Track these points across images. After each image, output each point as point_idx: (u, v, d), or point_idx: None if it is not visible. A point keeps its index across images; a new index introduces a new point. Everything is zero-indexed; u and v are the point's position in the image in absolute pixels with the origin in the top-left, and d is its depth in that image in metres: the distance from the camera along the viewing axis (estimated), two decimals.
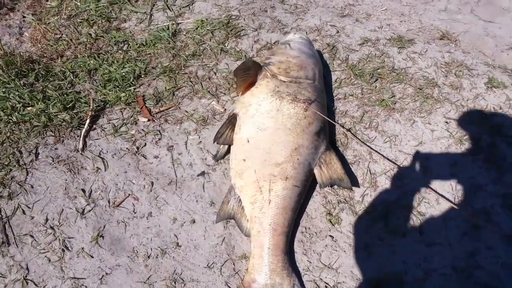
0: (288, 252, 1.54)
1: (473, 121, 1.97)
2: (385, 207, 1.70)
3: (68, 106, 1.93)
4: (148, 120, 1.92)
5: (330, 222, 1.66)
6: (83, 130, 1.85)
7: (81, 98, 1.99)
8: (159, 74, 2.10)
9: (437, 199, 1.72)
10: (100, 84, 2.04)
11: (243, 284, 1.50)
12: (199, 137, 1.88)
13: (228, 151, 1.77)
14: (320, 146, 1.68)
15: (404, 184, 1.75)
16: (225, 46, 2.25)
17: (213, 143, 1.77)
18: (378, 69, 2.17)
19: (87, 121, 1.87)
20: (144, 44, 2.24)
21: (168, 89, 2.05)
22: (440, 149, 1.87)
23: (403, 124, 1.96)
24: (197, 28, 2.33)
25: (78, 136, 1.85)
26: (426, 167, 1.81)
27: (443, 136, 1.91)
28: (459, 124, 1.97)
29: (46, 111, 1.89)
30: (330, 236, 1.63)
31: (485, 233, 1.64)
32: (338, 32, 2.38)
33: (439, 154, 1.87)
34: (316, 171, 1.65)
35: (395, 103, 2.02)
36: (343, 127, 1.91)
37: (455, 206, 1.68)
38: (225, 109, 1.98)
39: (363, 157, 1.83)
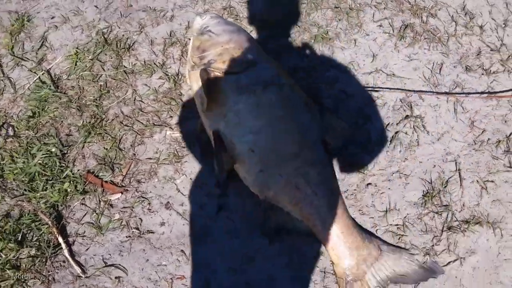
0: (354, 222, 1.54)
1: (398, 11, 2.12)
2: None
3: (19, 239, 1.54)
4: (121, 193, 1.65)
5: (360, 172, 1.71)
6: (66, 253, 1.52)
7: (20, 219, 1.59)
8: (84, 139, 1.76)
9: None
10: (25, 189, 1.64)
11: (339, 278, 1.49)
12: (186, 175, 1.70)
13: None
14: (315, 113, 1.63)
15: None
16: (125, 66, 1.95)
17: (220, 179, 1.63)
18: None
19: (60, 240, 1.53)
20: (33, 114, 1.83)
21: (109, 148, 1.75)
22: (391, 51, 1.97)
23: (348, 48, 2.00)
24: (76, 64, 1.95)
25: (65, 262, 1.52)
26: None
27: (386, 39, 2.02)
28: (391, 21, 2.08)
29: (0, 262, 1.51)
30: (368, 184, 1.69)
31: None
32: None
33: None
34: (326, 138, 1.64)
35: (328, 32, 2.05)
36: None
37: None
38: (182, 131, 1.80)
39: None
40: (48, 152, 1.72)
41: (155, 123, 1.81)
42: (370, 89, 1.89)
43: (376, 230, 1.61)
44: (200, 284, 1.53)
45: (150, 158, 1.73)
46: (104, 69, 1.94)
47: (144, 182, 1.68)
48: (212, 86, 1.58)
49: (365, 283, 1.47)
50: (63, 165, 1.71)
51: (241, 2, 2.16)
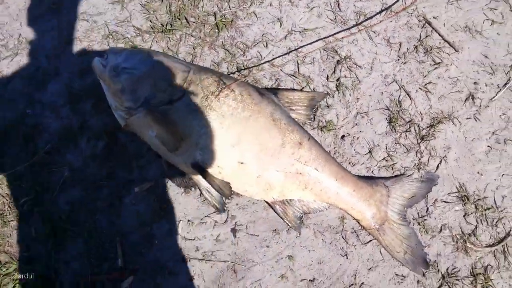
0: (356, 175, 1.62)
1: None
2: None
3: None
4: (133, 274, 1.51)
5: (330, 130, 1.77)
6: None
7: None
8: (52, 247, 1.55)
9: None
10: None
11: (370, 230, 1.59)
12: (179, 225, 1.60)
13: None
14: (272, 98, 1.63)
15: None
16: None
17: (221, 209, 1.57)
18: None
19: None
20: None
21: (88, 239, 1.56)
22: (291, 8, 1.98)
23: (253, 23, 1.96)
24: None
25: None
26: None
27: None
28: None
29: None
30: (342, 136, 1.75)
31: None
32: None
33: None
34: (293, 114, 1.64)
35: (225, 16, 1.98)
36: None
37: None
38: (153, 181, 1.67)
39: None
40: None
41: (118, 185, 1.68)
42: (294, 51, 1.93)
43: (372, 171, 1.73)
44: None
45: (136, 225, 1.61)
46: None
47: (147, 252, 1.57)
48: (169, 122, 1.50)
49: (390, 222, 1.60)
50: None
51: (120, 22, 1.99)
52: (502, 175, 1.75)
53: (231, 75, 1.87)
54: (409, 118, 1.82)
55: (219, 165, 1.51)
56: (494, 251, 1.63)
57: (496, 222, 1.67)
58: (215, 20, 1.99)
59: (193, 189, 1.65)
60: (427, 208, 1.69)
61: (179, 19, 1.99)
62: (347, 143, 1.78)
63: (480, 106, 1.85)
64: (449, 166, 1.75)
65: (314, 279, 1.57)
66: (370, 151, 1.77)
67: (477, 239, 1.65)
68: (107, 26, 1.99)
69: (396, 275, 1.58)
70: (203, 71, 1.63)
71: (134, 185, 1.68)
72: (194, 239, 1.60)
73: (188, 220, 1.62)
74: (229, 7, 2.02)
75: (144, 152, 1.74)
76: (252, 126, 1.53)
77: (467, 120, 1.83)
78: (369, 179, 1.68)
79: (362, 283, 1.58)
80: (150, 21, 2.00)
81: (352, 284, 1.57)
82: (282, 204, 1.59)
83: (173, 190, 1.68)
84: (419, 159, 1.75)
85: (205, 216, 1.63)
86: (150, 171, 1.71)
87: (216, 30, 1.96)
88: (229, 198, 1.61)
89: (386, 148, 1.77)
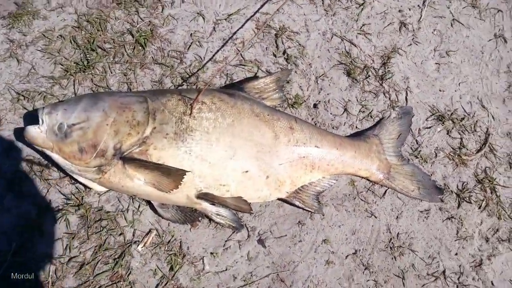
0: (349, 137, 1.63)
1: None
2: None
3: None
4: None
5: (303, 103, 1.71)
6: None
7: None
8: None
9: None
10: None
11: (380, 182, 1.60)
12: (204, 262, 1.44)
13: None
14: (242, 95, 1.52)
15: None
16: None
17: (238, 227, 1.48)
18: None
19: None
20: None
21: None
22: None
23: (195, 2, 1.80)
24: None
25: None
26: None
27: None
28: None
29: None
30: (314, 104, 1.72)
31: None
32: None
33: None
34: (268, 102, 1.56)
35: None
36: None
37: None
38: (153, 230, 1.48)
39: None
40: None
41: (119, 248, 1.45)
42: (230, 40, 1.80)
43: (356, 127, 1.73)
44: None
45: (157, 283, 1.42)
46: None
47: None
48: (154, 163, 1.34)
49: (393, 166, 1.62)
50: None
51: (25, 78, 1.66)
52: (459, 84, 1.87)
53: (181, 87, 1.71)
54: (363, 64, 1.84)
55: (224, 184, 1.40)
56: (484, 153, 1.75)
57: (474, 128, 1.80)
58: (133, 37, 1.78)
59: (200, 219, 1.51)
60: (416, 140, 1.75)
61: (92, 50, 1.74)
62: (322, 110, 1.75)
63: (414, 30, 1.94)
64: (415, 94, 1.83)
65: (356, 250, 1.55)
66: (345, 109, 1.77)
67: (467, 149, 1.76)
68: (11, 88, 1.67)
69: (421, 212, 1.63)
70: (159, 95, 1.48)
71: (135, 245, 1.49)
72: (226, 269, 1.47)
73: (211, 253, 1.48)
74: (141, 18, 1.82)
75: (127, 206, 1.52)
76: (240, 130, 1.44)
77: (409, 47, 1.91)
78: (360, 136, 1.69)
79: (398, 233, 1.60)
80: (60, 64, 1.72)
81: (391, 239, 1.58)
82: (296, 194, 1.53)
83: (179, 230, 1.51)
84: (389, 98, 1.80)
85: (226, 241, 1.50)
86: (144, 222, 1.51)
87: (140, 47, 1.76)
88: (251, 212, 1.50)
89: (357, 101, 1.78)
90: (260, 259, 1.49)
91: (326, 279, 1.49)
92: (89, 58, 1.73)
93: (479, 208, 1.67)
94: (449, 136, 1.77)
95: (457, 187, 1.69)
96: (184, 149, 1.35)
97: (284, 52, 1.82)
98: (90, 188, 1.51)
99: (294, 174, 1.49)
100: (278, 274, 1.47)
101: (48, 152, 1.40)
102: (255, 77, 1.68)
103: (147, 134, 1.35)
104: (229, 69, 1.79)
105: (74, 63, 1.73)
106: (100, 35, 1.78)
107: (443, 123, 1.78)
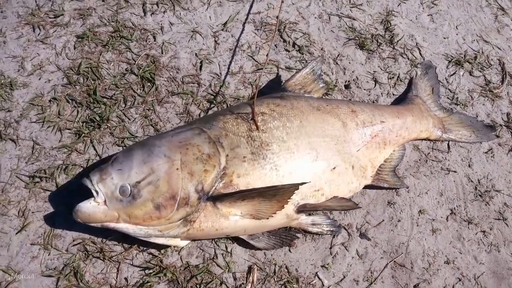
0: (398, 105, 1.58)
1: None
2: None
3: None
4: None
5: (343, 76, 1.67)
6: None
7: None
8: None
9: None
10: None
11: (440, 139, 1.60)
12: (320, 278, 1.31)
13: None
14: (290, 95, 1.43)
15: None
16: None
17: (334, 221, 1.41)
18: None
19: None
20: None
21: None
22: None
23: (183, 20, 1.66)
24: None
25: None
26: None
27: None
28: None
29: None
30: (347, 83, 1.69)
31: None
32: None
33: None
34: (315, 94, 1.48)
35: None
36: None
37: None
38: (252, 266, 1.32)
39: None
40: None
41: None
42: (236, 48, 1.70)
43: (392, 94, 1.70)
44: None
45: None
46: None
47: None
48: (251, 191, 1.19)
49: (443, 119, 1.62)
50: None
51: (28, 157, 1.42)
52: (456, 27, 1.93)
53: (210, 111, 1.56)
54: (370, 34, 1.84)
55: (318, 188, 1.29)
56: (508, 82, 1.81)
57: (488, 62, 1.86)
58: (137, 76, 1.60)
59: (296, 237, 1.36)
60: (449, 89, 1.77)
61: (97, 101, 1.53)
62: (355, 88, 1.71)
63: None
64: (426, 48, 1.85)
65: (451, 210, 1.51)
66: (375, 81, 1.74)
67: (493, 83, 1.81)
68: (18, 174, 1.39)
69: (485, 153, 1.64)
70: (211, 121, 1.33)
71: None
72: (344, 277, 1.35)
73: (322, 266, 1.35)
74: (135, 54, 1.64)
75: (214, 251, 1.34)
76: (311, 128, 1.34)
77: (399, 7, 1.94)
78: (405, 101, 1.67)
79: (478, 179, 1.58)
80: (67, 129, 1.49)
81: (476, 187, 1.56)
82: (378, 176, 1.46)
83: (279, 255, 1.36)
84: (407, 58, 1.81)
85: (330, 249, 1.38)
86: (239, 261, 1.33)
87: (149, 84, 1.59)
88: (359, 207, 1.39)
89: (381, 69, 1.77)
90: (371, 253, 1.40)
91: (439, 248, 1.44)
92: (97, 112, 1.53)
93: None
94: (473, 76, 1.82)
95: (502, 119, 1.73)
96: (269, 166, 1.23)
97: (294, 45, 1.77)
98: (167, 248, 1.32)
99: (371, 156, 1.43)
100: (394, 261, 1.39)
101: (112, 225, 1.19)
102: (292, 75, 1.54)
103: (224, 164, 1.21)
104: (249, 77, 1.68)
105: (82, 122, 1.52)
106: (99, 84, 1.59)
107: (462, 66, 1.82)
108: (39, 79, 1.59)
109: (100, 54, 1.65)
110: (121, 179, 1.17)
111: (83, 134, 1.49)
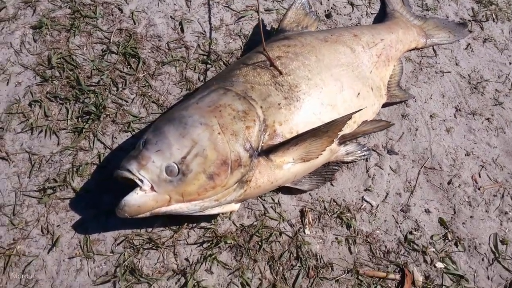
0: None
1: None
2: None
3: None
4: None
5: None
6: None
7: None
8: None
9: None
10: None
11: (427, 46, 1.67)
12: (370, 204, 1.37)
13: None
14: (294, 34, 1.42)
15: None
16: None
17: (362, 145, 1.46)
18: None
19: None
20: None
21: None
22: None
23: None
24: None
25: None
26: None
27: None
28: None
29: None
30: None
31: None
32: None
33: None
34: (312, 28, 1.51)
35: None
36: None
37: None
38: (303, 209, 1.33)
39: None
40: None
41: (291, 246, 1.27)
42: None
43: (370, 13, 1.73)
44: None
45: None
46: None
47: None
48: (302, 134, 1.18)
49: (422, 27, 1.69)
50: None
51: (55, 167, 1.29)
52: None
53: (209, 72, 1.49)
54: None
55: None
56: None
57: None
58: (117, 53, 1.46)
59: (336, 169, 1.38)
60: None
61: (85, 92, 1.37)
62: (336, 16, 1.71)
63: None
64: None
65: (455, 107, 1.60)
66: (351, 4, 1.75)
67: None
68: (24, 191, 1.25)
69: (465, 49, 1.73)
70: (229, 78, 1.27)
71: (302, 233, 1.31)
72: (387, 194, 1.39)
73: (365, 190, 1.40)
74: (106, 31, 1.48)
75: (262, 207, 1.33)
76: (328, 61, 1.34)
77: None
78: (387, 17, 1.71)
79: (468, 74, 1.67)
80: (62, 129, 1.34)
81: (469, 81, 1.66)
82: (389, 93, 1.50)
83: (323, 192, 1.38)
84: None
85: (367, 172, 1.42)
86: (289, 209, 1.34)
87: (134, 59, 1.46)
88: (392, 123, 1.44)
89: None
90: (402, 165, 1.47)
91: (457, 143, 1.54)
92: (90, 103, 1.39)
93: (494, 20, 1.83)
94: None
95: (469, 14, 1.85)
96: (305, 107, 1.23)
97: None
98: (216, 217, 1.29)
99: (381, 74, 1.48)
100: (424, 166, 1.48)
101: (163, 210, 1.12)
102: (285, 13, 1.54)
103: (262, 116, 1.18)
104: (233, 28, 1.63)
105: (76, 118, 1.38)
106: (79, 73, 1.44)
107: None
108: (7, 84, 1.41)
109: (68, 41, 1.49)
110: (164, 160, 1.10)
111: (84, 130, 1.36)
